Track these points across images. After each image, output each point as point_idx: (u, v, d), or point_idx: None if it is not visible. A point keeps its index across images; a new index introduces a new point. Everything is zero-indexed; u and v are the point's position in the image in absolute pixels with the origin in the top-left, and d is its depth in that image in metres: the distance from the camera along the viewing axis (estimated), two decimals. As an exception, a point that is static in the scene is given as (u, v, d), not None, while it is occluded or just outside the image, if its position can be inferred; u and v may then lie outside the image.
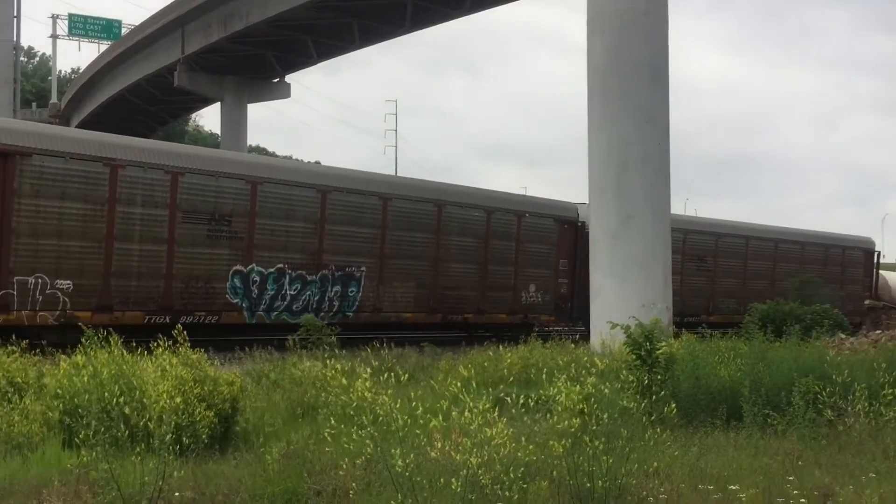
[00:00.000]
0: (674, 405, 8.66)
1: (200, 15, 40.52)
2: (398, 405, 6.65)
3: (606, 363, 13.58)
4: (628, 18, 20.99)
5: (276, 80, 47.22)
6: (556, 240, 27.58)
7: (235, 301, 19.94)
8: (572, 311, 27.83)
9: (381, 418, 6.65)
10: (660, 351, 10.47)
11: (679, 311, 29.08)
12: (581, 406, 7.44)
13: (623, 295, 20.00)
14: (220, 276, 19.69)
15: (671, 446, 8.13)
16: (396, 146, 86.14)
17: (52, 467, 7.68)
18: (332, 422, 7.68)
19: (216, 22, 39.74)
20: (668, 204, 21.89)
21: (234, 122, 47.36)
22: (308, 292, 21.23)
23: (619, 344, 12.22)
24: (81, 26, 72.66)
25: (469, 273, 25.07)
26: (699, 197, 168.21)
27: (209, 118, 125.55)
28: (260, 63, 43.81)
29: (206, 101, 52.37)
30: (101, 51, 60.18)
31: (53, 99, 67.83)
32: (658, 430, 7.52)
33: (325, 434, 7.48)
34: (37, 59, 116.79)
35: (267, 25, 37.32)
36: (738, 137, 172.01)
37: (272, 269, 20.54)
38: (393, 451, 6.16)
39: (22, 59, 47.21)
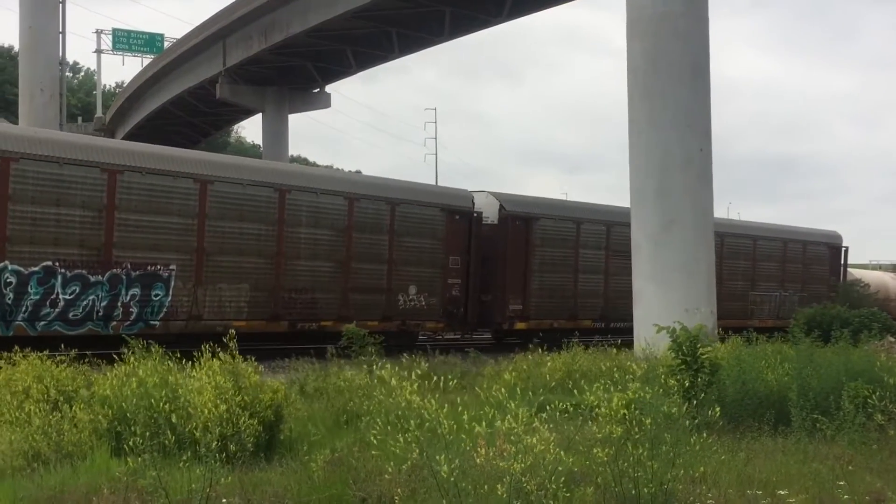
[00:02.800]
0: (718, 409, 8.58)
1: (241, 27, 40.92)
2: (444, 411, 6.66)
3: (647, 368, 13.50)
4: (667, 21, 20.87)
5: (316, 91, 47.53)
6: (445, 233, 23.74)
7: None
8: (467, 317, 24.52)
9: (425, 424, 6.66)
10: (704, 354, 10.40)
11: (602, 315, 27.61)
12: (624, 412, 7.40)
13: (665, 300, 19.89)
14: None
15: (717, 451, 8.05)
16: (436, 154, 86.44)
17: (102, 475, 7.77)
18: (378, 427, 7.70)
19: (257, 34, 40.11)
20: (710, 208, 21.73)
21: (276, 133, 47.74)
22: (91, 296, 17.28)
23: (663, 349, 12.14)
24: (125, 41, 73.71)
25: (324, 272, 21.16)
26: (740, 201, 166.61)
27: (251, 129, 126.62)
28: (300, 73, 44.13)
29: (248, 113, 52.85)
30: (145, 64, 60.99)
31: (98, 113, 68.83)
32: (704, 435, 7.45)
33: (371, 439, 7.51)
34: (82, 73, 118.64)
35: (307, 36, 37.59)
36: (779, 138, 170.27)
37: (36, 268, 16.61)
38: (438, 457, 6.17)
39: (68, 74, 48.02)
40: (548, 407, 7.48)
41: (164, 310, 18.29)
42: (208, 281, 18.92)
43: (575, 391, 9.07)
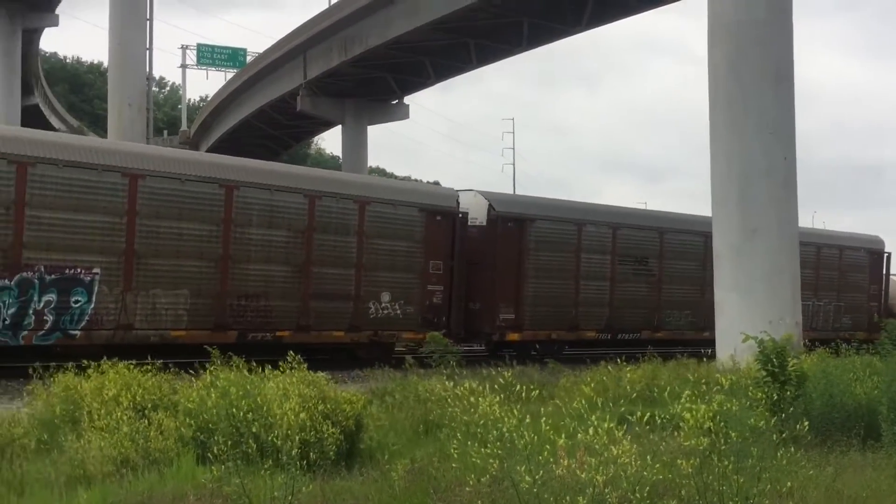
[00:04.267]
0: (806, 423, 8.38)
1: (321, 41, 41.49)
2: (525, 422, 6.64)
3: (733, 380, 13.26)
4: (749, 28, 20.52)
5: (394, 102, 47.88)
6: (423, 235, 21.58)
7: None
8: (450, 326, 22.08)
9: (505, 435, 6.65)
10: (791, 366, 10.18)
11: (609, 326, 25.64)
12: (709, 424, 7.27)
13: (748, 311, 19.49)
14: None
15: (805, 466, 7.87)
16: (514, 164, 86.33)
17: (187, 482, 7.91)
18: (458, 438, 7.71)
19: (336, 47, 40.60)
20: (795, 217, 21.26)
21: (355, 145, 48.20)
22: None
23: (747, 360, 11.92)
24: (209, 56, 75.35)
25: (279, 277, 19.16)
26: (824, 208, 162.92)
27: (330, 141, 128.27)
28: (379, 85, 44.51)
29: (328, 125, 53.48)
30: (228, 79, 62.23)
31: (183, 126, 70.39)
32: (791, 448, 7.28)
33: (451, 451, 7.51)
34: (167, 88, 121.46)
35: (386, 48, 37.91)
36: (865, 144, 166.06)
37: None
38: (518, 468, 6.15)
39: (154, 88, 49.24)
40: (629, 418, 7.40)
41: (86, 318, 16.42)
42: (141, 286, 17.03)
43: (657, 402, 8.96)
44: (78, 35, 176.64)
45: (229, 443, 8.09)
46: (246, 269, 18.59)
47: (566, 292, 24.79)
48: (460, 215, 22.52)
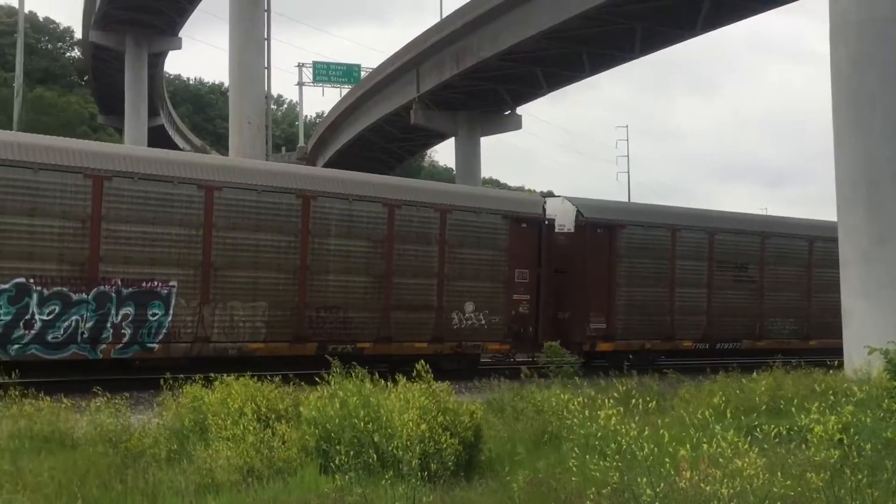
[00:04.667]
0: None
1: (433, 54, 41.89)
2: (645, 434, 6.53)
3: (864, 391, 12.77)
4: (873, 26, 19.82)
5: (507, 113, 47.95)
6: (508, 243, 21.03)
7: None
8: (538, 337, 21.44)
9: (625, 447, 6.55)
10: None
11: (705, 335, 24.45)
12: (840, 436, 7.02)
13: (877, 318, 18.78)
14: None
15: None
16: (629, 172, 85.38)
17: (311, 491, 8.04)
18: (576, 450, 7.64)
19: (449, 59, 40.91)
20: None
21: (468, 156, 48.43)
22: (74, 317, 15.50)
23: (877, 370, 11.48)
24: (325, 73, 77.07)
25: (359, 288, 18.78)
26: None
27: (444, 153, 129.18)
28: (491, 96, 44.66)
29: (441, 137, 53.92)
30: (343, 94, 63.40)
31: (301, 142, 72.04)
32: (928, 463, 6.96)
33: (571, 463, 7.45)
34: (285, 105, 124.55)
35: (497, 59, 38.01)
36: None
37: (6, 286, 14.95)
38: (639, 480, 6.05)
39: (272, 106, 50.65)
40: (756, 429, 7.20)
41: (164, 331, 16.42)
42: (218, 298, 16.98)
43: (782, 413, 8.69)
44: (199, 57, 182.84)
45: (351, 453, 8.19)
46: (325, 280, 18.39)
47: (660, 300, 24.09)
48: (546, 222, 21.99)
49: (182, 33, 67.37)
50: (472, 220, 20.50)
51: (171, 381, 11.68)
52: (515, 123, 48.60)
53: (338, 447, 8.53)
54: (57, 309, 15.35)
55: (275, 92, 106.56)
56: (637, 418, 7.20)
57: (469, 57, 39.23)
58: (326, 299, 18.33)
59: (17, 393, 10.74)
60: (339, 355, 17.15)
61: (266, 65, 38.92)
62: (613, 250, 23.15)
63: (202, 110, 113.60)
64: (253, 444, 8.93)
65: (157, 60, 70.68)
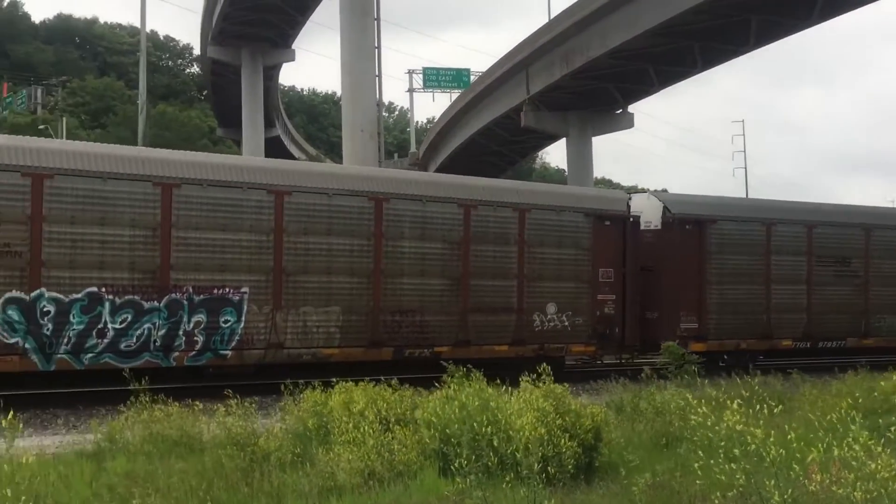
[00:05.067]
0: None
1: (542, 55, 41.77)
2: (771, 436, 6.35)
3: None
4: None
5: (618, 112, 47.46)
6: (591, 242, 20.41)
7: (13, 341, 14.47)
8: (624, 338, 20.90)
9: (751, 449, 6.38)
10: None
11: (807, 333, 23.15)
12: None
13: None
14: None
15: None
16: (746, 168, 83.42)
17: (431, 494, 8.10)
18: (700, 453, 7.48)
19: (558, 60, 40.74)
20: None
21: (580, 157, 48.10)
22: (146, 325, 15.53)
23: None
24: (434, 78, 77.78)
25: (435, 291, 18.47)
26: None
27: (555, 154, 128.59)
28: (602, 96, 44.27)
29: (552, 138, 53.73)
30: (453, 99, 63.78)
31: (412, 148, 72.77)
32: None
33: (694, 466, 7.30)
34: (396, 112, 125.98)
35: (607, 58, 37.67)
36: None
37: (78, 295, 14.98)
38: (767, 483, 5.89)
39: (384, 114, 51.28)
40: (891, 430, 6.93)
41: (237, 337, 16.34)
42: (290, 304, 16.88)
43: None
44: (312, 67, 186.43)
45: (472, 456, 8.21)
46: (399, 283, 18.09)
47: (756, 298, 23.05)
48: (631, 219, 21.32)
49: (295, 45, 68.96)
50: (552, 219, 19.98)
51: (290, 387, 11.92)
52: (627, 122, 48.05)
53: (457, 450, 8.56)
54: (129, 317, 15.40)
55: (386, 99, 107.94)
56: (763, 419, 7.00)
57: (578, 57, 38.98)
58: (402, 303, 18.08)
59: (147, 398, 11.11)
60: (415, 360, 18.22)
61: (377, 73, 39.36)
62: (704, 246, 22.37)
63: (316, 120, 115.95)
64: (373, 447, 9.04)
65: (271, 73, 72.45)
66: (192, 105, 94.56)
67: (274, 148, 77.70)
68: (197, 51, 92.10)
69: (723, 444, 7.55)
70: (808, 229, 23.81)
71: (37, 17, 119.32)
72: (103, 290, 15.19)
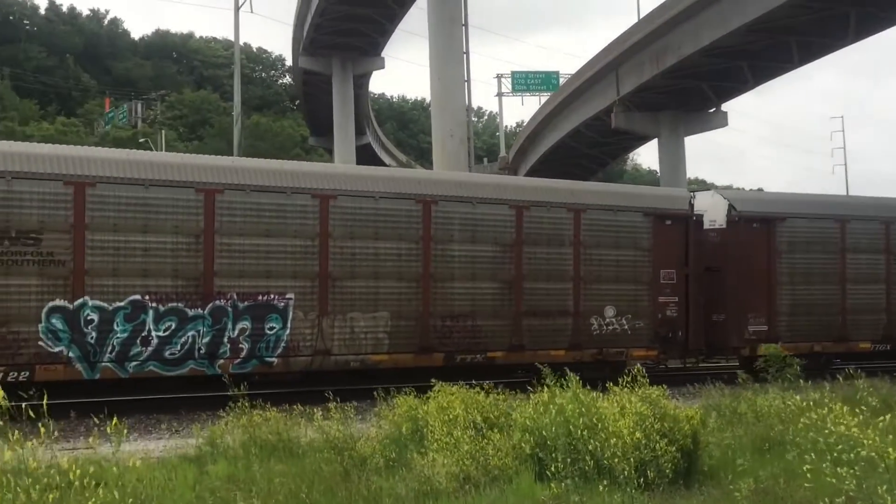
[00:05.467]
0: None
1: (632, 55, 41.34)
2: (888, 440, 6.13)
3: None
4: None
5: (711, 110, 46.66)
6: (651, 242, 19.79)
7: (57, 350, 14.41)
8: (688, 342, 20.13)
9: (860, 453, 6.16)
10: None
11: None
12: None
13: None
14: (26, 316, 14.29)
15: None
16: (846, 164, 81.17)
17: (526, 498, 8.05)
18: (807, 457, 7.26)
19: (648, 60, 40.26)
20: None
21: (672, 157, 47.43)
22: (190, 332, 15.42)
23: None
24: (523, 82, 77.61)
25: (487, 294, 18.06)
26: None
27: (646, 155, 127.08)
28: (694, 94, 43.59)
29: (643, 139, 53.13)
30: (542, 103, 63.56)
31: (502, 153, 72.71)
32: None
33: (799, 469, 7.10)
34: (485, 117, 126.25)
35: (700, 56, 37.08)
36: None
37: (122, 303, 14.94)
38: (879, 489, 5.69)
39: (473, 118, 51.56)
40: None
41: (283, 344, 16.13)
42: (337, 310, 16.57)
43: None
44: (401, 74, 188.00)
45: (568, 460, 8.13)
46: (450, 287, 17.71)
47: (830, 299, 22.17)
48: (694, 218, 20.65)
49: (384, 53, 69.59)
50: (608, 220, 19.41)
51: (382, 393, 12.00)
52: (721, 121, 47.19)
53: (554, 454, 8.49)
54: (173, 325, 15.27)
55: (475, 104, 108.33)
56: (881, 423, 6.75)
57: (670, 55, 38.46)
58: (452, 308, 17.71)
59: (246, 403, 11.30)
60: (468, 366, 17.79)
61: (466, 78, 39.53)
62: (773, 245, 21.56)
63: (406, 126, 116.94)
64: (468, 452, 9.03)
65: (362, 81, 73.27)
66: (285, 115, 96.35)
67: (365, 155, 78.57)
68: (289, 62, 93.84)
69: (830, 448, 7.32)
70: (885, 226, 22.90)
71: (136, 33, 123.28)
72: (147, 297, 15.12)
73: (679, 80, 41.01)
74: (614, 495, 7.44)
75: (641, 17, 42.14)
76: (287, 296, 16.18)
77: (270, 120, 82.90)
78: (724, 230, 21.29)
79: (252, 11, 73.07)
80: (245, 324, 15.82)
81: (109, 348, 14.77)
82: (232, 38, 55.84)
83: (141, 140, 60.36)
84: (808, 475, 7.02)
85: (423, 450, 9.54)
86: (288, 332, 16.13)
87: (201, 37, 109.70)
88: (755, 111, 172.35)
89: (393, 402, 11.26)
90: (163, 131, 64.38)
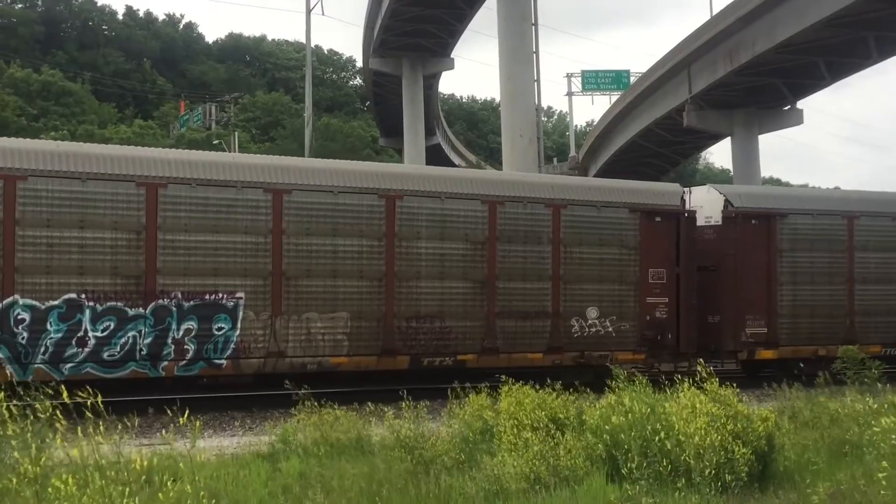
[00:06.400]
0: None
1: (705, 53, 40.81)
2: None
3: None
4: None
5: (786, 108, 45.85)
6: (638, 240, 18.75)
7: None
8: (679, 345, 19.06)
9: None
10: None
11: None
12: None
13: None
14: None
15: None
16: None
17: (598, 500, 8.01)
18: (885, 463, 7.10)
19: (721, 57, 39.71)
20: None
21: (746, 156, 46.69)
22: (131, 333, 14.65)
23: None
24: (593, 81, 77.21)
25: (457, 294, 17.15)
26: None
27: (718, 154, 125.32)
28: (768, 92, 42.86)
29: (715, 138, 52.41)
30: (612, 101, 63.10)
31: (572, 152, 72.38)
32: None
33: (878, 475, 6.95)
34: (555, 117, 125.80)
35: (774, 53, 36.44)
36: None
37: (56, 302, 14.20)
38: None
39: (542, 118, 51.41)
40: None
41: (232, 346, 15.35)
42: (292, 310, 15.80)
43: None
44: (470, 74, 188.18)
45: (642, 462, 8.06)
46: (416, 287, 16.83)
47: (836, 300, 21.00)
48: (686, 214, 19.57)
49: (453, 53, 69.77)
50: (591, 216, 18.42)
51: (458, 391, 12.02)
52: (796, 118, 46.32)
53: (627, 455, 8.43)
54: (112, 325, 14.54)
55: (544, 103, 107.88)
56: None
57: (743, 52, 37.87)
58: (419, 308, 16.82)
59: (314, 402, 11.40)
60: (436, 369, 16.85)
61: (535, 77, 39.43)
62: (773, 243, 20.44)
63: (475, 127, 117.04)
64: (538, 452, 9.01)
65: (431, 82, 73.57)
66: (356, 116, 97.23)
67: (435, 156, 78.85)
68: (359, 63, 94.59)
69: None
70: None
71: (210, 37, 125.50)
72: (83, 296, 14.40)
73: (753, 78, 40.35)
74: (691, 497, 7.35)
75: (714, 13, 41.61)
76: (237, 295, 15.45)
77: (341, 121, 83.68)
78: (721, 227, 20.34)
79: (323, 14, 74.16)
80: (191, 324, 15.08)
81: (42, 349, 14.08)
82: (303, 40, 56.52)
83: (215, 142, 61.40)
84: (884, 482, 6.87)
85: (492, 450, 9.55)
86: (238, 332, 15.41)
87: (273, 39, 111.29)
88: (830, 108, 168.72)
89: (464, 400, 11.30)
90: (236, 133, 65.43)
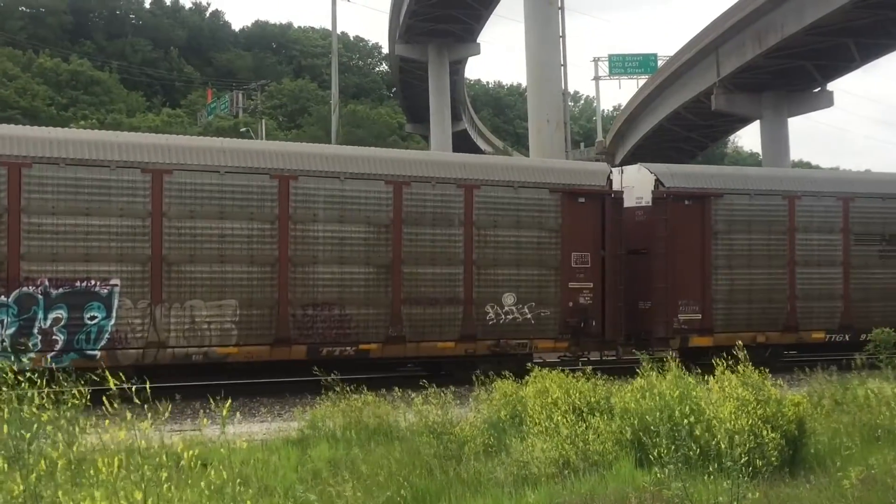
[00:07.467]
0: None
1: (734, 35, 40.48)
2: None
3: None
4: None
5: (816, 90, 45.41)
6: (560, 222, 17.80)
7: None
8: (604, 332, 18.16)
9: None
10: None
11: None
12: None
13: None
14: None
15: None
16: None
17: (627, 484, 8.00)
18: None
19: (750, 40, 39.37)
20: None
21: (775, 139, 46.36)
22: None
23: None
24: (620, 65, 76.84)
25: (358, 280, 16.21)
26: None
27: (747, 138, 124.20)
28: (798, 74, 42.48)
29: (744, 121, 52.04)
30: (639, 85, 62.72)
31: (599, 137, 72.08)
32: None
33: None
34: (581, 101, 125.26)
35: (804, 34, 36.10)
36: None
37: None
38: None
39: (569, 103, 51.10)
40: None
41: (106, 336, 14.42)
42: (174, 297, 14.86)
43: None
44: (496, 60, 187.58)
45: (671, 446, 8.04)
46: (312, 272, 15.92)
47: (776, 284, 20.02)
48: (612, 195, 18.54)
49: (479, 39, 69.60)
50: (508, 197, 17.49)
51: (482, 378, 12.05)
52: (826, 101, 45.90)
53: (656, 440, 8.41)
54: None
55: (571, 88, 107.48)
56: None
57: (772, 35, 37.53)
58: (315, 295, 15.93)
59: (342, 388, 11.46)
60: (337, 360, 15.69)
61: (562, 62, 39.21)
62: (707, 225, 19.45)
63: (502, 112, 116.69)
64: (567, 436, 9.01)
65: (457, 67, 73.45)
66: (382, 103, 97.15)
67: (461, 141, 78.76)
68: (385, 49, 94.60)
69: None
70: (843, 203, 20.72)
71: (236, 25, 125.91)
72: None
73: (782, 60, 40.01)
74: (722, 482, 7.32)
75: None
76: (111, 282, 14.51)
77: (368, 108, 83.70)
78: (651, 208, 19.32)
79: (349, 0, 73.85)
80: (60, 313, 14.17)
81: None
82: (329, 27, 56.53)
83: (242, 129, 61.62)
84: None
85: (522, 435, 9.55)
86: (113, 322, 14.50)
87: (299, 27, 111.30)
88: (860, 90, 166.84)
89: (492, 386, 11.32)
90: (263, 120, 65.57)
